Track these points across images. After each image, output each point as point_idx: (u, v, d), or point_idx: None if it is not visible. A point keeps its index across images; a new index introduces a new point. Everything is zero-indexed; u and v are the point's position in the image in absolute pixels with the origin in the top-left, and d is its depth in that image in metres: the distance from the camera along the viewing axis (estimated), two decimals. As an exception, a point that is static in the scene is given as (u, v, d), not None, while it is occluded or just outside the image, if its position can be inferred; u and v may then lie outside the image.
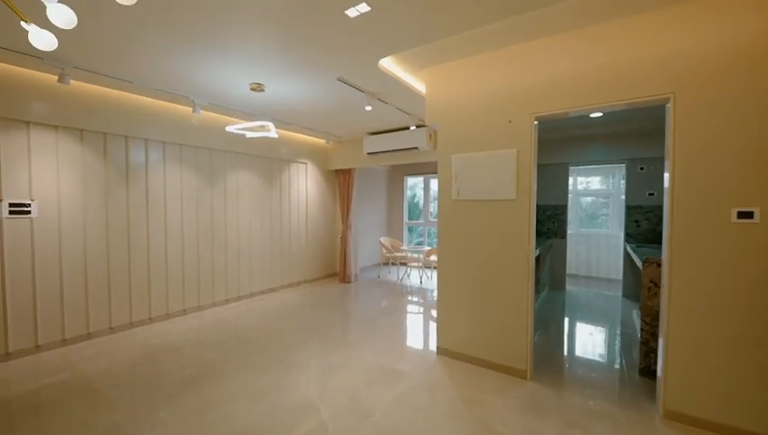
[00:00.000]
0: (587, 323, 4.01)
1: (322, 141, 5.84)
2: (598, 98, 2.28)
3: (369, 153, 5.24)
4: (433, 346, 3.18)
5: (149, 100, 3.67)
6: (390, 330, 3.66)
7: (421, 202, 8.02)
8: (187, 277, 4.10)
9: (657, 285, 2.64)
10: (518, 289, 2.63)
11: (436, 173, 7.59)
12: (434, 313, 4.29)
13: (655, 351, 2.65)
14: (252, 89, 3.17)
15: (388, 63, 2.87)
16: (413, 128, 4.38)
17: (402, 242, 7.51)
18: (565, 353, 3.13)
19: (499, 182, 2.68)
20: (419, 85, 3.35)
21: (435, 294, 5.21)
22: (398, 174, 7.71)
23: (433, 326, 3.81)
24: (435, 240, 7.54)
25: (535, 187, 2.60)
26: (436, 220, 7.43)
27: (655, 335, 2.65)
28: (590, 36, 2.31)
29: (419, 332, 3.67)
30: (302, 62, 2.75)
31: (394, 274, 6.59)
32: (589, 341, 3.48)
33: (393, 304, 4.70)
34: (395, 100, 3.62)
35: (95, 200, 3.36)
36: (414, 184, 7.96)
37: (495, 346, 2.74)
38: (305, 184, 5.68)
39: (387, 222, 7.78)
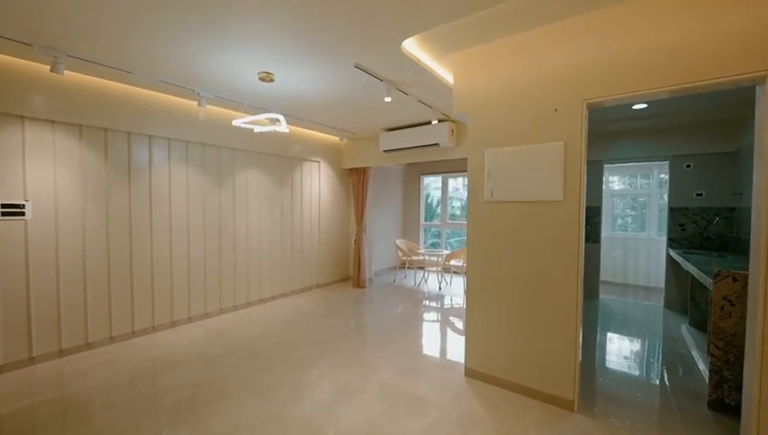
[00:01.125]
0: (629, 338, 3.57)
1: (336, 139, 5.54)
2: (672, 79, 1.88)
3: (385, 151, 4.91)
4: (460, 366, 2.83)
5: (153, 93, 3.43)
6: (410, 344, 3.32)
7: (434, 202, 7.63)
8: (193, 283, 3.86)
9: (732, 303, 2.22)
10: (563, 305, 2.25)
11: (454, 172, 7.28)
12: (457, 324, 3.93)
13: (729, 381, 2.23)
14: (260, 78, 2.88)
15: (412, 47, 2.53)
16: (435, 122, 4.03)
17: (419, 244, 7.16)
18: (610, 376, 2.73)
19: (542, 181, 2.30)
20: (445, 73, 3.00)
21: (456, 301, 4.84)
22: (414, 173, 7.36)
23: (458, 341, 3.45)
24: (453, 240, 7.16)
25: (585, 186, 2.21)
26: (453, 222, 7.05)
27: (729, 363, 2.23)
28: (662, 5, 1.91)
29: (443, 348, 3.31)
30: (316, 46, 2.44)
31: (410, 278, 6.24)
32: (635, 360, 3.06)
33: (411, 312, 4.36)
34: (417, 90, 3.27)
35: (95, 201, 3.14)
36: (428, 183, 7.58)
37: (536, 370, 2.37)
38: (318, 184, 5.40)
39: (402, 224, 7.44)
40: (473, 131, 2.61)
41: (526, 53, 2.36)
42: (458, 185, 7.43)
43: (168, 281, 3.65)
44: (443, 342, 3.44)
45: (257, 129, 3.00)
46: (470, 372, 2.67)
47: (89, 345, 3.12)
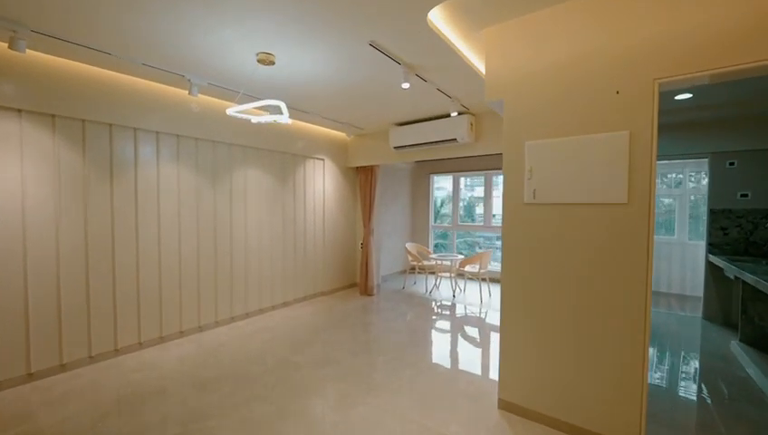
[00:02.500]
0: (673, 355, 3.16)
1: (342, 135, 5.15)
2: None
3: (396, 147, 4.51)
4: (492, 396, 2.43)
5: (139, 80, 3.04)
6: (430, 366, 2.92)
7: (437, 202, 7.24)
8: (185, 294, 3.47)
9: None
10: (627, 328, 1.85)
11: (467, 170, 6.86)
12: (480, 340, 3.53)
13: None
14: (259, 60, 2.49)
15: (438, 20, 2.13)
16: (454, 114, 3.63)
17: (428, 247, 6.76)
18: (669, 405, 2.32)
19: (600, 179, 1.90)
20: (472, 55, 2.60)
21: (472, 310, 4.43)
22: (423, 172, 6.96)
23: (485, 363, 3.04)
24: (459, 241, 6.76)
25: (656, 185, 1.81)
26: (465, 223, 6.65)
27: (831, 402, 1.82)
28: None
29: (468, 371, 2.91)
30: (324, 19, 2.04)
31: (420, 284, 5.84)
32: (692, 385, 2.65)
33: (426, 325, 3.96)
34: (438, 75, 2.87)
35: (71, 203, 2.75)
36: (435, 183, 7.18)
37: (588, 406, 1.96)
38: (322, 183, 5.00)
39: (410, 225, 7.04)
40: (510, 121, 2.21)
41: (579, 24, 1.96)
42: (460, 184, 7.04)
43: (157, 291, 3.26)
44: (467, 363, 3.03)
45: (255, 119, 2.60)
46: (505, 405, 2.26)
47: (63, 367, 2.73)
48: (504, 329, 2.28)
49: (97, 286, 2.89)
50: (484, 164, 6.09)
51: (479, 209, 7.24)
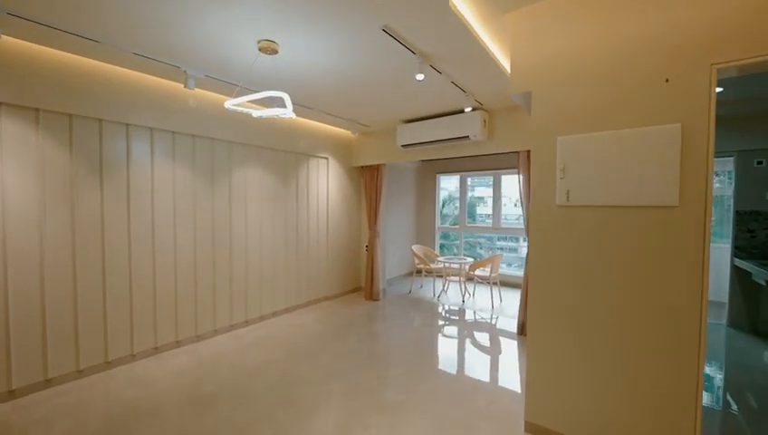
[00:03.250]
0: (707, 368, 2.94)
1: (346, 132, 4.93)
2: None
3: (403, 145, 4.30)
4: (517, 417, 2.21)
5: (132, 72, 2.83)
6: (445, 381, 2.70)
7: (440, 203, 7.03)
8: (181, 301, 3.25)
9: None
10: (676, 349, 1.63)
11: (476, 170, 6.62)
12: (498, 351, 3.31)
13: None
14: (261, 49, 2.27)
15: (460, 1, 1.92)
16: (468, 110, 3.41)
17: (434, 249, 6.54)
18: (712, 422, 2.11)
19: (646, 179, 1.69)
20: (493, 44, 2.39)
21: (483, 316, 4.21)
22: (429, 172, 6.75)
23: (505, 376, 2.83)
24: (464, 241, 6.54)
25: (713, 185, 1.60)
26: (473, 225, 6.44)
27: None
28: None
29: (488, 387, 2.69)
30: (334, 1, 1.83)
31: (427, 288, 5.63)
32: (732, 399, 2.43)
33: (437, 333, 3.75)
34: (454, 67, 2.66)
35: (57, 204, 2.53)
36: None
37: (631, 430, 1.75)
38: (326, 183, 4.78)
39: (415, 227, 6.82)
40: (538, 115, 1.99)
41: (621, 3, 1.74)
42: (459, 184, 6.83)
43: (151, 299, 3.05)
44: (485, 377, 2.82)
45: (257, 113, 2.39)
46: (533, 428, 2.05)
47: (48, 383, 2.52)
48: (532, 344, 2.06)
49: (85, 295, 2.67)
50: (493, 163, 5.87)
51: (480, 210, 7.04)
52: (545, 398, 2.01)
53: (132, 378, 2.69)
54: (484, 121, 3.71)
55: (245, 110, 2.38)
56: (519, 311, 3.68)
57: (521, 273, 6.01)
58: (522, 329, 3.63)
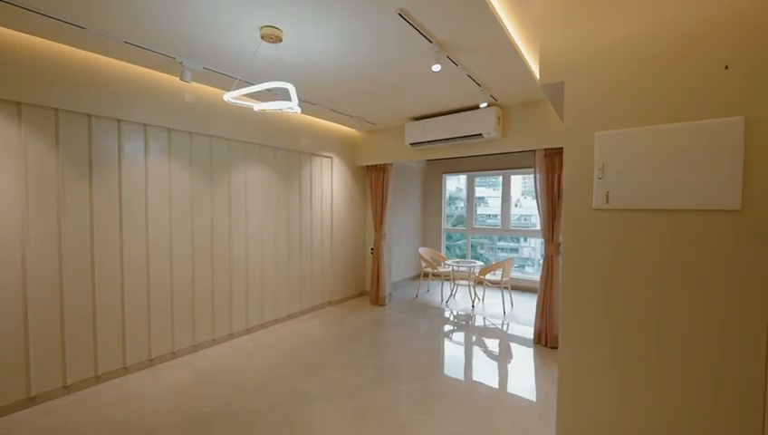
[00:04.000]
0: None
1: (351, 130, 4.74)
2: None
3: (412, 144, 4.10)
4: (544, 440, 2.01)
5: (123, 64, 2.63)
6: (462, 396, 2.50)
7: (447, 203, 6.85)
8: (177, 309, 3.05)
9: None
10: (734, 376, 1.43)
11: (485, 170, 6.40)
12: (516, 363, 3.11)
13: None
14: (263, 36, 2.08)
15: (487, -19, 1.72)
16: (483, 105, 3.22)
17: (440, 251, 6.35)
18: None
19: (700, 179, 1.49)
20: (515, 32, 2.19)
21: (494, 322, 4.01)
22: (435, 172, 6.55)
23: (525, 391, 2.63)
24: (462, 242, 6.35)
25: (781, 187, 1.40)
26: (481, 227, 6.25)
27: None
28: None
29: (510, 404, 2.49)
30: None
31: (434, 291, 5.43)
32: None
33: (449, 343, 3.55)
34: (471, 58, 2.46)
35: (42, 207, 2.33)
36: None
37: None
38: (330, 183, 4.58)
39: (421, 228, 6.63)
40: (572, 108, 1.80)
41: (672, -17, 1.54)
42: (461, 185, 6.66)
43: (145, 307, 2.85)
44: (505, 394, 2.62)
45: (259, 106, 2.19)
46: (565, 455, 1.85)
47: (31, 401, 2.32)
48: (564, 363, 1.86)
49: (72, 303, 2.47)
50: (502, 163, 5.68)
51: (480, 210, 6.89)
52: (579, 420, 1.81)
53: (124, 394, 2.48)
54: (498, 118, 3.51)
55: (246, 103, 2.18)
56: (535, 319, 3.48)
57: (529, 276, 5.82)
58: (538, 338, 3.43)
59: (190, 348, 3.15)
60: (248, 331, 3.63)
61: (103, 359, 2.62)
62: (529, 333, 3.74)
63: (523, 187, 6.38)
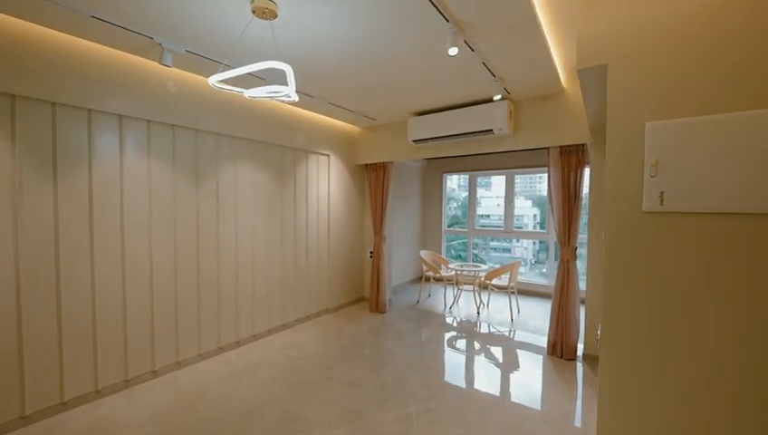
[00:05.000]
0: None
1: (349, 126, 4.46)
2: None
3: (415, 141, 3.83)
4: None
5: (93, 46, 2.31)
6: (479, 420, 2.24)
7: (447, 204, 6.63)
8: (158, 321, 2.73)
9: None
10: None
11: (487, 169, 6.12)
12: (528, 375, 2.86)
13: None
14: (255, 11, 1.78)
15: (520, -56, 1.46)
16: (497, 98, 2.96)
17: (441, 253, 6.10)
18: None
19: (783, 177, 1.25)
20: (542, 12, 1.94)
21: (500, 329, 3.77)
22: (435, 170, 6.30)
23: (549, 409, 2.38)
24: (458, 242, 6.12)
25: None
26: (483, 228, 6.01)
27: None
28: None
29: (532, 425, 2.24)
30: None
31: (435, 296, 5.18)
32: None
33: (457, 354, 3.29)
34: (491, 43, 2.20)
35: (-6, 208, 2.01)
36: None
37: None
38: (327, 183, 4.29)
39: (421, 230, 6.37)
40: (617, 94, 1.55)
41: (745, -56, 1.30)
42: (453, 185, 6.44)
43: (120, 322, 2.52)
44: (524, 412, 2.37)
45: (250, 93, 1.89)
46: (607, 496, 1.60)
47: (-18, 436, 1.99)
48: (602, 391, 1.61)
49: (32, 319, 2.14)
50: (506, 162, 5.45)
51: (477, 210, 6.71)
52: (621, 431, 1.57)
53: (94, 423, 2.16)
54: (510, 113, 3.27)
55: (236, 89, 1.88)
56: (549, 328, 3.25)
57: (527, 278, 5.60)
58: (552, 349, 3.20)
59: (173, 365, 2.83)
60: (239, 343, 3.32)
61: (71, 382, 2.30)
62: (541, 341, 3.50)
63: (517, 187, 6.24)
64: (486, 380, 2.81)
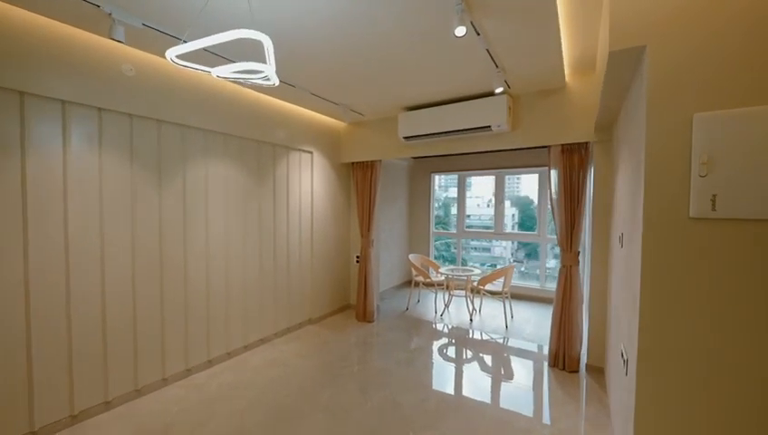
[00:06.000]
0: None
1: (334, 122, 4.15)
2: None
3: (406, 138, 3.57)
4: None
5: (28, 15, 1.91)
6: (486, 450, 1.99)
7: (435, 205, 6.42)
8: (112, 342, 2.33)
9: None
10: None
11: (477, 169, 5.89)
12: (534, 391, 2.64)
13: None
14: (225, -29, 1.46)
15: None
16: (499, 90, 2.73)
17: (429, 256, 5.87)
18: None
19: None
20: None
21: (495, 338, 3.56)
22: (422, 170, 6.06)
23: (561, 429, 2.16)
24: (439, 242, 5.94)
25: None
26: (472, 230, 5.83)
27: None
28: None
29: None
30: None
31: (425, 302, 4.93)
32: None
33: (455, 369, 3.05)
34: (501, 25, 1.96)
35: None
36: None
37: None
38: (310, 182, 3.96)
39: (408, 232, 6.12)
40: (659, 79, 1.33)
41: None
42: (435, 184, 6.26)
43: (64, 347, 2.12)
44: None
45: (218, 72, 1.56)
46: None
47: None
48: (643, 413, 1.39)
49: (-56, 353, 1.72)
50: (497, 161, 5.28)
51: (454, 210, 6.56)
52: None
53: (24, 476, 1.76)
54: (509, 108, 3.06)
55: (200, 67, 1.54)
56: (550, 338, 3.06)
57: (521, 282, 5.45)
58: (555, 360, 3.01)
59: (132, 394, 2.44)
60: (210, 363, 2.95)
61: (1, 422, 1.88)
62: (541, 351, 3.32)
63: (495, 187, 6.14)
64: (488, 399, 2.57)
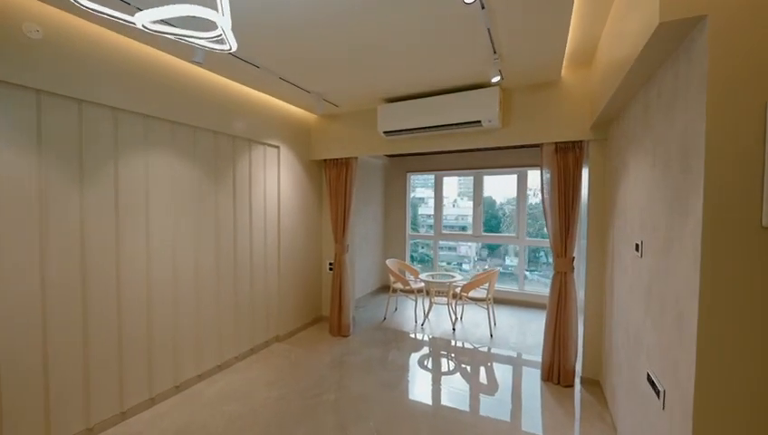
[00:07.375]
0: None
1: (307, 113, 3.71)
2: None
3: (386, 132, 3.23)
4: None
5: None
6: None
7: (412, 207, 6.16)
8: (12, 391, 1.76)
9: None
10: None
11: (455, 169, 5.59)
12: (529, 410, 2.39)
13: None
14: None
15: None
16: (496, 80, 2.44)
17: (405, 260, 5.58)
18: None
19: None
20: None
21: (480, 347, 3.32)
22: (398, 170, 5.76)
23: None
24: (413, 242, 5.72)
25: None
26: (449, 233, 5.61)
27: None
28: None
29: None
30: None
31: (403, 310, 4.62)
32: None
33: (444, 389, 2.74)
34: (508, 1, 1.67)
35: None
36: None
37: None
38: (277, 181, 3.49)
39: (383, 235, 5.79)
40: (722, 59, 1.08)
41: None
42: (409, 184, 6.05)
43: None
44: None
45: (142, 18, 1.10)
46: None
47: None
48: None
49: None
50: (476, 161, 5.08)
51: (422, 210, 6.38)
52: None
53: None
54: (501, 103, 2.81)
55: (119, 14, 1.08)
56: (543, 350, 2.85)
57: (503, 286, 5.31)
58: (548, 374, 2.81)
59: (40, 453, 1.87)
60: (153, 401, 2.41)
61: None
62: (529, 361, 3.12)
63: (461, 188, 6.03)
64: (488, 426, 2.29)
